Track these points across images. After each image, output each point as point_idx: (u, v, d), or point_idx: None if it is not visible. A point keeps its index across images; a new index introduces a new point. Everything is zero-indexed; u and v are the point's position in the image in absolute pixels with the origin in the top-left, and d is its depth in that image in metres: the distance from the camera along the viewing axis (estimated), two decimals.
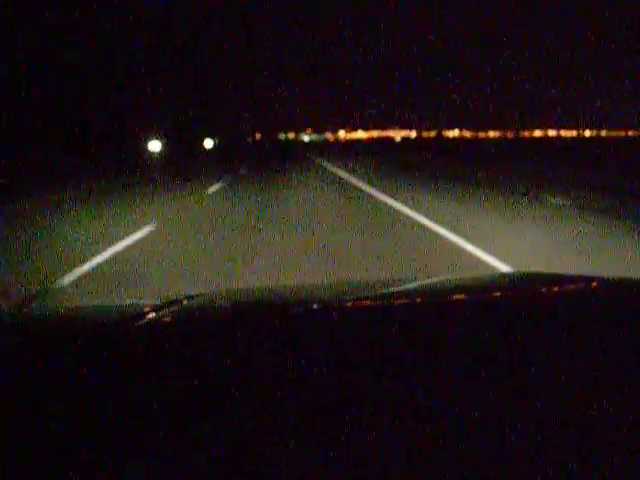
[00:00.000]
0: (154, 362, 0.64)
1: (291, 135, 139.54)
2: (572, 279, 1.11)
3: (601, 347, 0.64)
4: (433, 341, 0.67)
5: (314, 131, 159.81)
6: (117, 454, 0.44)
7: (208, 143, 45.20)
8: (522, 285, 1.14)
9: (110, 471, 0.42)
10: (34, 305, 3.30)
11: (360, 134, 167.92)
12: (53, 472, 0.42)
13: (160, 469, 0.42)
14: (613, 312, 0.81)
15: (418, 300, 0.99)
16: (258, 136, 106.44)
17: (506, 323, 0.75)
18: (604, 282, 1.05)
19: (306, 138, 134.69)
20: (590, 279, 1.07)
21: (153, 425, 0.48)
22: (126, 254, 4.53)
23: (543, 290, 1.04)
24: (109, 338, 0.73)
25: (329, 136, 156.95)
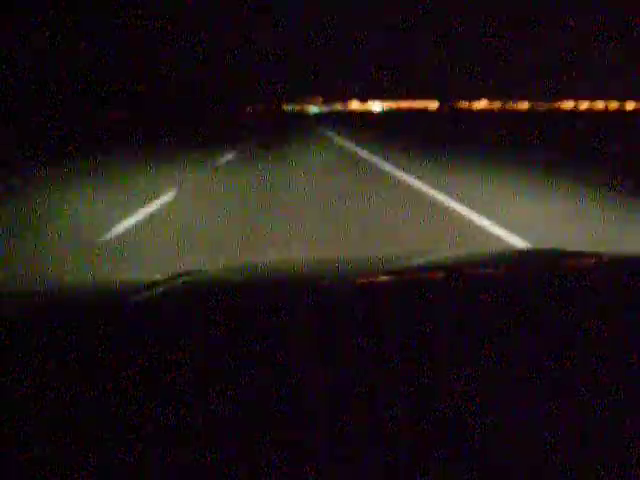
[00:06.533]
0: (147, 343, 0.66)
1: (298, 107, 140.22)
2: (596, 256, 1.11)
3: (628, 329, 0.65)
4: (450, 319, 0.69)
5: (325, 101, 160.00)
6: (113, 441, 0.46)
7: None
8: (543, 262, 1.15)
9: (107, 452, 0.44)
10: (28, 280, 3.37)
11: (376, 105, 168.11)
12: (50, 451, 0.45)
13: (156, 453, 0.44)
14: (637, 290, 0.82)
15: (436, 276, 1.02)
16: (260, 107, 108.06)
17: (526, 302, 0.78)
18: (628, 260, 1.08)
19: (315, 109, 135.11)
20: (612, 256, 1.09)
21: (146, 409, 0.50)
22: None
23: (566, 268, 1.06)
24: (99, 317, 0.76)
25: (339, 107, 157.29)
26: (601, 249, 1.22)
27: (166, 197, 6.98)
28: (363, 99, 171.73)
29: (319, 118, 60.29)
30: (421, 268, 1.17)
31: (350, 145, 17.80)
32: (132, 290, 0.88)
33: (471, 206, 6.55)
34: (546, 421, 0.48)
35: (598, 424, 0.48)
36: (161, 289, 0.89)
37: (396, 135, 24.73)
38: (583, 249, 1.21)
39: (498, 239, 5.00)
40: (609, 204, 6.75)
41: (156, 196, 6.97)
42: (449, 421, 0.48)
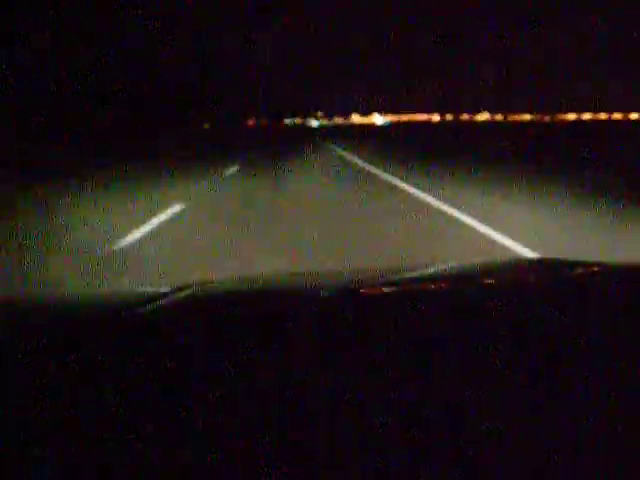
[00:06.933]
0: (157, 353, 0.67)
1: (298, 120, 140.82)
2: (600, 265, 1.10)
3: (631, 338, 0.65)
4: (457, 331, 0.69)
5: (326, 115, 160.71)
6: (118, 448, 0.46)
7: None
8: (548, 272, 1.15)
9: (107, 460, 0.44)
10: (37, 291, 3.47)
11: (379, 118, 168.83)
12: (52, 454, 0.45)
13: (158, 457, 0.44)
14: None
15: (440, 287, 1.02)
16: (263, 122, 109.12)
17: (531, 310, 0.78)
18: (632, 269, 1.07)
19: (315, 123, 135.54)
20: (616, 265, 1.09)
21: (147, 411, 0.51)
22: None
23: (571, 277, 1.05)
24: (110, 327, 0.76)
25: (340, 120, 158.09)
26: (602, 258, 1.23)
27: None
28: (365, 113, 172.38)
29: (321, 132, 60.55)
30: (426, 277, 1.18)
31: (352, 158, 17.76)
32: (135, 302, 0.91)
33: (473, 215, 6.57)
34: (542, 429, 0.47)
35: (596, 433, 0.47)
36: (164, 301, 0.91)
37: (397, 147, 24.90)
38: (587, 259, 1.22)
39: (501, 247, 5.01)
40: (612, 216, 6.74)
41: None
42: (442, 428, 0.48)
